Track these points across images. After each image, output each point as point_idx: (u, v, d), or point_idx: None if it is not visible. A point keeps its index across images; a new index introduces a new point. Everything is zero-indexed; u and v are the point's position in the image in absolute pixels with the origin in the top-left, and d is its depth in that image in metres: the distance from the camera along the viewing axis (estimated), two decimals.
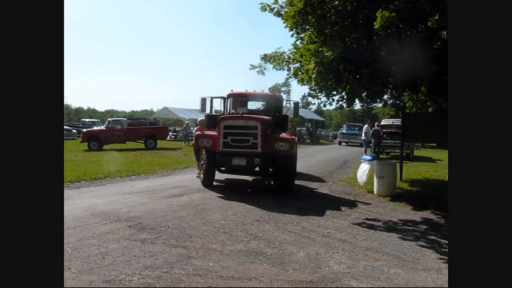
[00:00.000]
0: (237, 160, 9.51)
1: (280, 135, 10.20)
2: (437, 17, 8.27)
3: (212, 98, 12.24)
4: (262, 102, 12.68)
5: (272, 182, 10.67)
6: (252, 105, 12.56)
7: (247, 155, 9.47)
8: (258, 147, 9.47)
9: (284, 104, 13.48)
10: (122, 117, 43.05)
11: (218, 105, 12.69)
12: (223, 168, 10.27)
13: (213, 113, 12.08)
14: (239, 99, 12.18)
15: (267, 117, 10.31)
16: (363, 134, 21.35)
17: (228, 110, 11.86)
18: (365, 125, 22.89)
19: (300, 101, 14.09)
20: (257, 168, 9.98)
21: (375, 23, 7.17)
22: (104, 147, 23.67)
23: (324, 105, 10.30)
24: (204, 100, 12.07)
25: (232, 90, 12.25)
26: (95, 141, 23.41)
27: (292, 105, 12.93)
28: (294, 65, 9.95)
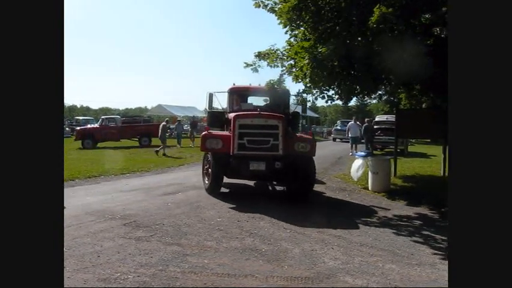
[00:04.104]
0: (255, 164, 8.38)
1: (299, 135, 9.46)
2: (430, 14, 8.31)
3: (211, 94, 10.89)
4: (265, 98, 11.10)
5: (285, 188, 9.82)
6: (253, 101, 11.09)
7: (266, 158, 8.46)
8: (279, 149, 8.47)
9: None
10: (116, 115, 42.89)
11: (218, 102, 11.37)
12: (231, 173, 9.02)
13: (217, 110, 10.99)
14: (242, 94, 10.93)
15: (283, 116, 9.28)
16: (348, 132, 20.93)
17: (232, 107, 10.50)
18: (350, 121, 22.60)
19: (294, 98, 13.35)
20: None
21: (371, 18, 7.15)
22: (98, 145, 23.57)
23: (316, 98, 10.11)
24: (211, 95, 10.84)
25: (234, 84, 10.90)
26: (89, 139, 23.32)
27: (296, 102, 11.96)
28: (288, 62, 9.92)
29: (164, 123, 20.11)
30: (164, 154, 18.22)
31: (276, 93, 10.67)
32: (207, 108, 11.20)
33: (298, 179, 8.76)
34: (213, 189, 8.98)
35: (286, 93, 10.90)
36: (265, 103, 10.86)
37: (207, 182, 9.26)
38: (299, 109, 11.71)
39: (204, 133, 9.16)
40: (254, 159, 8.42)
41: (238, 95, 10.82)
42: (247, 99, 10.92)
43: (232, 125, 8.63)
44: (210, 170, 8.99)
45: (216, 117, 10.23)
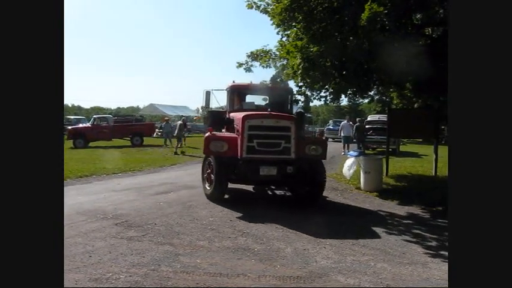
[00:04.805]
0: (266, 169, 7.77)
1: (310, 137, 9.01)
2: (422, 14, 8.38)
3: (208, 92, 10.31)
4: (265, 97, 10.44)
5: (286, 192, 9.57)
6: (253, 99, 10.48)
7: (277, 162, 7.88)
8: (291, 153, 7.91)
9: None
10: (108, 114, 42.67)
11: (216, 101, 10.92)
12: (234, 178, 8.37)
13: (217, 109, 10.42)
14: (243, 92, 10.26)
15: (295, 116, 8.81)
16: (341, 131, 21.01)
17: (232, 106, 9.88)
18: (343, 121, 22.83)
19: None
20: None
21: (362, 14, 7.17)
22: (90, 144, 23.44)
23: (311, 100, 10.04)
24: (208, 94, 10.20)
25: (233, 82, 10.11)
26: (81, 138, 23.20)
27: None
28: (280, 63, 9.91)
29: (180, 122, 21.44)
30: (175, 153, 19.23)
31: (279, 92, 10.20)
32: (204, 107, 10.72)
33: (309, 183, 8.34)
34: (217, 196, 8.28)
35: (290, 91, 10.23)
36: (265, 102, 10.28)
37: (208, 187, 8.52)
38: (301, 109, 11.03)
39: (207, 135, 8.37)
40: (265, 163, 7.83)
41: (239, 93, 10.17)
42: (246, 98, 10.39)
43: (241, 126, 7.97)
44: (212, 175, 8.31)
45: (215, 117, 9.75)
